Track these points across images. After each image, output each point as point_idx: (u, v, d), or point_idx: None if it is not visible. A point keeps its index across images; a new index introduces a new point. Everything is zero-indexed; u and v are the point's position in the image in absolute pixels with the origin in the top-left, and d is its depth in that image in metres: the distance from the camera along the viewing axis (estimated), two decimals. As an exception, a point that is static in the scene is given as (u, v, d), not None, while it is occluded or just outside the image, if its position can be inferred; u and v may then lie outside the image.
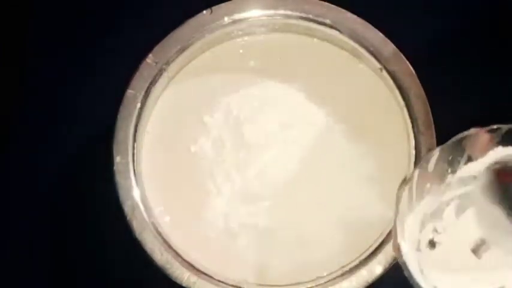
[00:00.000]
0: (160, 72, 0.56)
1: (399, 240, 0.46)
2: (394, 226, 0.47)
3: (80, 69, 0.62)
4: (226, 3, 0.57)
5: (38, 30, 0.64)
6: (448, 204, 0.49)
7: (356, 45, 0.57)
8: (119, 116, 0.55)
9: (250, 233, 0.54)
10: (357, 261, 0.53)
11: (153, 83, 0.56)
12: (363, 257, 0.52)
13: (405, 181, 0.48)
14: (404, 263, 0.46)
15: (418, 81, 0.55)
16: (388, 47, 0.56)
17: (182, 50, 0.57)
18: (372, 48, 0.56)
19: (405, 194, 0.47)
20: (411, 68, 0.56)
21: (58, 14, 0.64)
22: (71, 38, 0.63)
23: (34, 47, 0.64)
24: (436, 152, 0.48)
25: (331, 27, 0.57)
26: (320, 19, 0.57)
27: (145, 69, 0.56)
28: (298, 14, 0.57)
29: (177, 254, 0.53)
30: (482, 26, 0.62)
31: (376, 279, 0.52)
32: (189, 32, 0.57)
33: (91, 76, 0.62)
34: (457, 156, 0.48)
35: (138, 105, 0.55)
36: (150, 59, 0.56)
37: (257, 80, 0.58)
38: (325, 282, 0.52)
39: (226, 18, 0.57)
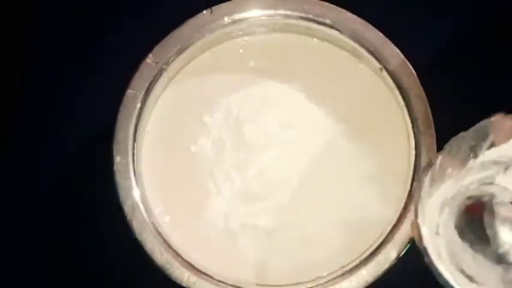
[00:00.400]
0: (160, 72, 0.56)
1: (420, 225, 0.46)
2: (416, 210, 0.46)
3: (80, 69, 0.62)
4: (226, 3, 0.57)
5: (38, 30, 0.64)
6: (467, 188, 0.49)
7: (356, 45, 0.57)
8: (119, 116, 0.55)
9: (250, 233, 0.54)
10: (357, 261, 0.53)
11: (153, 83, 0.56)
12: (363, 257, 0.52)
13: (429, 165, 0.48)
14: (425, 248, 0.46)
15: (418, 81, 0.55)
16: (388, 47, 0.56)
17: (182, 50, 0.57)
18: (372, 48, 0.56)
19: (427, 179, 0.47)
20: (411, 68, 0.56)
21: (58, 14, 0.64)
22: (71, 38, 0.63)
23: (34, 47, 0.64)
24: (461, 137, 0.48)
25: (331, 27, 0.57)
26: (320, 19, 0.57)
27: (145, 69, 0.56)
28: (298, 14, 0.57)
29: (177, 254, 0.53)
30: (483, 26, 0.62)
31: (376, 279, 0.52)
32: (189, 32, 0.57)
33: (91, 76, 0.62)
34: (481, 142, 0.48)
35: (138, 105, 0.55)
36: (150, 59, 0.56)
37: (257, 80, 0.58)
38: (325, 282, 0.52)
39: (226, 18, 0.57)
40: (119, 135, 0.55)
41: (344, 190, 0.55)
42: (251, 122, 0.56)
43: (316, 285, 0.53)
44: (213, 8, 0.57)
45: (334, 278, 0.52)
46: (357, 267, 0.52)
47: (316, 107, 0.57)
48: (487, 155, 0.49)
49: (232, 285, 0.53)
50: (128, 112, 0.55)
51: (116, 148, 0.54)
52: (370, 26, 0.57)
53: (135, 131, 0.55)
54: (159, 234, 0.53)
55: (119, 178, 0.54)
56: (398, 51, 0.56)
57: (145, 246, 0.53)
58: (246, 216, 0.55)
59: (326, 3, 0.57)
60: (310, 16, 0.57)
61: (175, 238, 0.54)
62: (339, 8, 0.57)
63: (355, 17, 0.57)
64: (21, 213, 0.60)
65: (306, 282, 0.53)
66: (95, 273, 0.59)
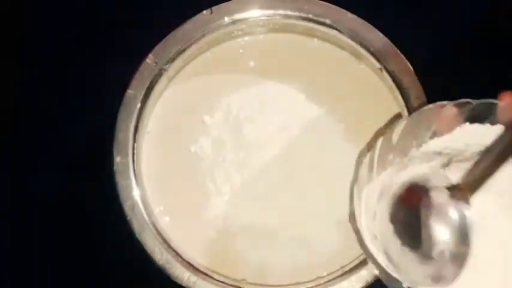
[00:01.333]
0: (160, 72, 0.56)
1: (356, 207, 0.45)
2: (351, 193, 0.45)
3: (80, 69, 0.62)
4: (226, 3, 0.57)
5: (37, 30, 0.64)
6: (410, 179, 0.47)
7: (356, 45, 0.57)
8: (119, 116, 0.55)
9: (250, 233, 0.54)
10: (356, 261, 0.53)
11: (153, 83, 0.56)
12: (363, 257, 0.52)
13: (367, 148, 0.46)
14: (358, 230, 0.44)
15: (418, 81, 0.55)
16: (388, 47, 0.56)
17: (182, 50, 0.57)
18: (372, 48, 0.56)
19: (366, 161, 0.46)
20: (411, 68, 0.56)
21: (58, 14, 0.64)
22: (71, 38, 0.63)
23: (34, 47, 0.64)
24: (402, 123, 0.47)
25: (331, 27, 0.57)
26: (320, 19, 0.57)
27: (146, 69, 0.56)
28: (298, 14, 0.57)
29: (177, 254, 0.53)
30: (483, 26, 0.62)
31: (376, 278, 0.52)
32: (189, 32, 0.57)
33: (91, 76, 0.62)
34: (423, 129, 0.46)
35: (138, 105, 0.55)
36: (150, 59, 0.56)
37: (257, 80, 0.58)
38: (325, 282, 0.53)
39: (226, 18, 0.57)
40: (119, 135, 0.55)
41: (344, 190, 0.55)
42: (251, 122, 0.56)
43: (316, 285, 0.53)
44: (213, 8, 0.57)
45: (334, 278, 0.53)
46: (357, 267, 0.52)
47: (316, 107, 0.57)
48: (430, 144, 0.46)
49: (232, 285, 0.53)
50: (128, 112, 0.55)
51: (116, 148, 0.54)
52: (370, 26, 0.57)
53: (135, 131, 0.55)
54: (159, 234, 0.53)
55: (119, 178, 0.54)
56: (398, 51, 0.56)
57: (145, 246, 0.53)
58: (245, 216, 0.55)
59: (326, 3, 0.57)
60: (310, 16, 0.57)
61: (175, 238, 0.54)
62: (339, 8, 0.57)
63: (355, 17, 0.57)
64: (21, 213, 0.60)
65: (306, 282, 0.53)
66: (95, 273, 0.59)
